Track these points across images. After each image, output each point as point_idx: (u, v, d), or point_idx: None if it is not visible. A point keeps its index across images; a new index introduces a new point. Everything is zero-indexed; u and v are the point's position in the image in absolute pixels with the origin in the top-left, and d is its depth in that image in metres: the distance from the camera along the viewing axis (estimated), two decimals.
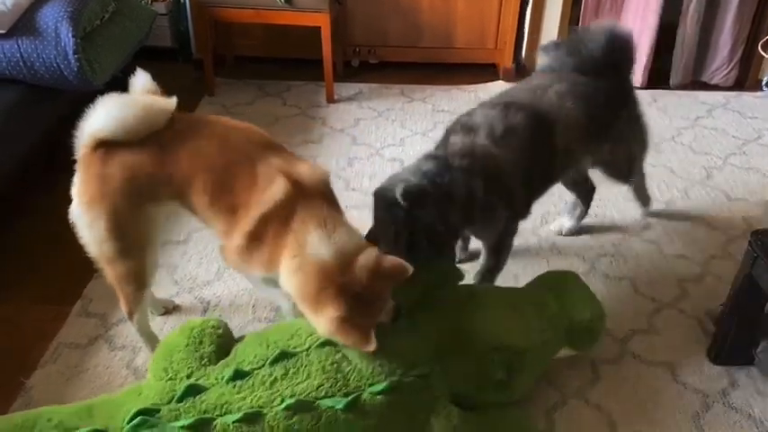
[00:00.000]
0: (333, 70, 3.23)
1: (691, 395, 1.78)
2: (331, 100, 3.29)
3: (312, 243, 1.43)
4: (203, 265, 2.20)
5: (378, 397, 1.40)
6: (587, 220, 2.46)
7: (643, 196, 2.44)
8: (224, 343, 1.54)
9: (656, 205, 2.55)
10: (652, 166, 2.80)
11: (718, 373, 1.85)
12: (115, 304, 1.98)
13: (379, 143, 2.94)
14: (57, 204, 1.59)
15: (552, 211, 2.49)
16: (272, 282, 1.55)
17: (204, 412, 1.35)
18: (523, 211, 1.92)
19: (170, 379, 1.44)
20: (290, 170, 1.51)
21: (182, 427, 1.32)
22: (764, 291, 1.66)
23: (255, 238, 1.48)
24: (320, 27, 3.08)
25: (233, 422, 1.33)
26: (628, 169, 2.23)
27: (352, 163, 2.78)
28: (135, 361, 1.84)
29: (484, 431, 1.53)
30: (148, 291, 1.75)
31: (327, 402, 1.37)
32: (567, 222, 2.37)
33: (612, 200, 2.58)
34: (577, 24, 3.38)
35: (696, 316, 2.03)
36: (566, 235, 2.37)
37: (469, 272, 2.00)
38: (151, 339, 1.82)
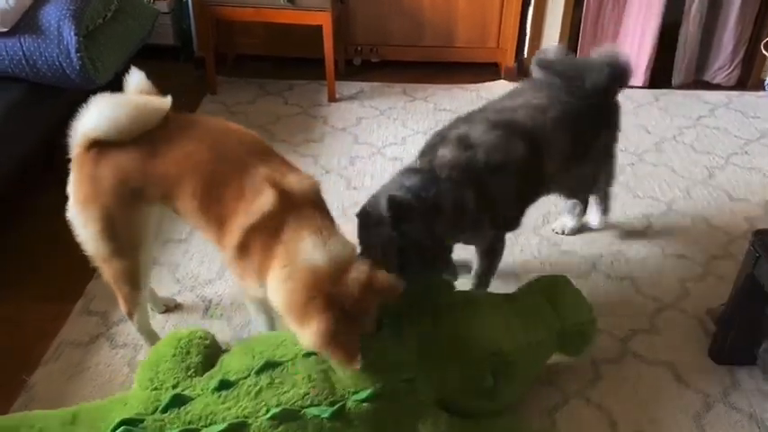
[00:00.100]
0: (334, 69, 3.23)
1: (692, 395, 1.78)
2: (332, 99, 3.29)
3: (306, 249, 1.40)
4: (205, 264, 2.20)
5: (363, 404, 1.40)
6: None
7: (605, 204, 2.38)
8: (211, 354, 1.54)
9: (657, 205, 2.55)
10: (653, 165, 2.81)
11: (719, 372, 1.85)
12: (116, 303, 1.98)
13: (380, 142, 2.94)
14: (56, 204, 1.59)
15: (553, 211, 2.49)
16: (265, 306, 1.57)
17: (189, 423, 1.34)
18: (512, 226, 1.91)
19: (155, 389, 1.43)
20: (279, 180, 1.47)
21: None
22: (766, 291, 1.66)
23: (244, 251, 1.46)
24: (322, 26, 3.07)
25: None
26: (586, 191, 2.24)
27: (354, 162, 2.78)
28: (136, 359, 1.85)
29: None
30: (146, 290, 1.75)
31: (313, 411, 1.37)
32: (569, 222, 2.37)
33: (614, 199, 2.57)
34: (579, 24, 3.38)
35: (697, 316, 2.03)
36: (568, 234, 2.37)
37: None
38: (152, 338, 1.83)
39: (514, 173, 1.74)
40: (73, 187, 1.55)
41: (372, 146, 2.91)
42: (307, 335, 1.36)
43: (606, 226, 2.43)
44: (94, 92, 1.58)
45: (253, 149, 1.56)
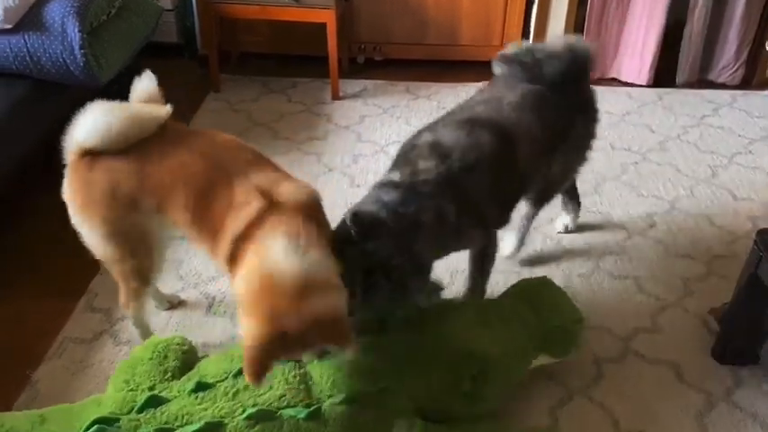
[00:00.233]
0: (338, 67, 3.23)
1: (695, 394, 1.78)
2: (336, 97, 3.29)
3: (276, 251, 1.32)
4: (208, 261, 2.20)
5: (338, 407, 1.41)
6: (592, 219, 2.46)
7: (575, 206, 2.36)
8: (188, 359, 1.55)
9: (660, 204, 2.55)
10: (657, 164, 2.80)
11: (722, 372, 1.85)
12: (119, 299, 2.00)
13: (384, 140, 2.94)
14: (57, 203, 1.59)
15: (558, 210, 2.49)
16: None
17: (165, 423, 1.35)
18: (500, 224, 1.87)
19: (131, 390, 1.44)
20: (269, 189, 1.44)
21: None
22: None
23: (234, 262, 1.43)
24: (326, 24, 3.07)
25: None
26: (559, 190, 2.19)
27: (357, 160, 2.78)
28: None
29: None
30: (152, 288, 1.75)
31: (289, 412, 1.38)
32: (569, 220, 2.37)
33: (617, 198, 2.58)
34: (583, 23, 3.38)
35: (700, 315, 2.03)
36: (571, 231, 2.37)
37: None
38: (145, 330, 1.82)
39: (488, 167, 1.69)
40: (72, 194, 1.54)
41: (376, 144, 2.91)
42: (244, 329, 1.30)
43: (610, 225, 2.43)
44: (98, 89, 1.59)
45: (247, 160, 1.53)
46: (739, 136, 3.04)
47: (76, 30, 2.23)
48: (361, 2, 3.41)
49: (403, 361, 1.53)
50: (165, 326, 1.95)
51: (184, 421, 1.36)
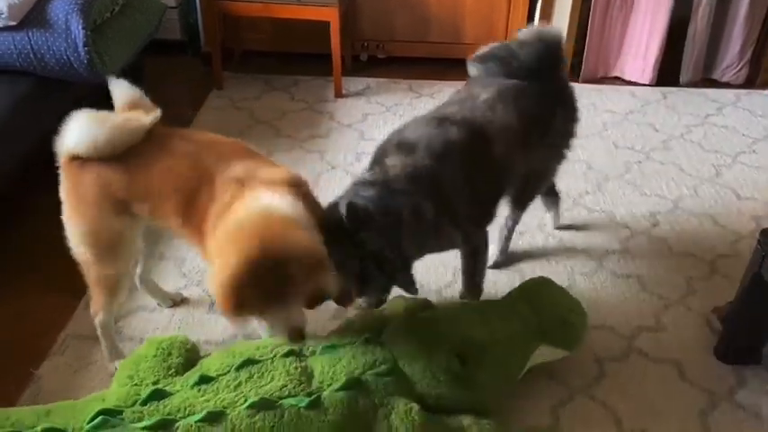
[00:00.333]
0: (341, 65, 3.23)
1: (697, 393, 1.78)
2: (339, 95, 3.29)
3: (257, 198, 1.35)
4: None
5: (337, 394, 1.42)
6: (595, 217, 2.46)
7: (555, 200, 2.35)
8: (191, 357, 1.57)
9: (664, 203, 2.55)
10: (661, 163, 2.80)
11: (725, 371, 1.84)
12: None
13: None
14: (59, 201, 1.60)
15: (561, 208, 2.49)
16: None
17: (167, 414, 1.36)
18: (480, 223, 1.84)
19: (135, 385, 1.46)
20: (247, 175, 1.44)
21: (143, 428, 1.32)
22: None
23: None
24: (329, 21, 3.07)
25: (195, 422, 1.34)
26: (540, 188, 2.16)
27: (360, 158, 2.78)
28: None
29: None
30: (120, 300, 1.73)
31: (290, 401, 1.39)
32: (550, 218, 2.37)
33: (620, 197, 2.57)
34: (587, 21, 3.37)
35: (703, 314, 2.02)
36: (561, 226, 2.37)
37: None
38: (111, 344, 1.79)
39: (459, 161, 1.68)
40: (65, 194, 1.57)
41: (378, 142, 2.90)
42: (215, 267, 1.30)
43: (613, 223, 2.42)
44: (101, 86, 1.59)
45: (229, 155, 1.53)
46: (743, 135, 3.03)
47: (80, 27, 2.23)
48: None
49: (399, 348, 1.55)
50: (168, 323, 1.95)
51: (187, 413, 1.37)
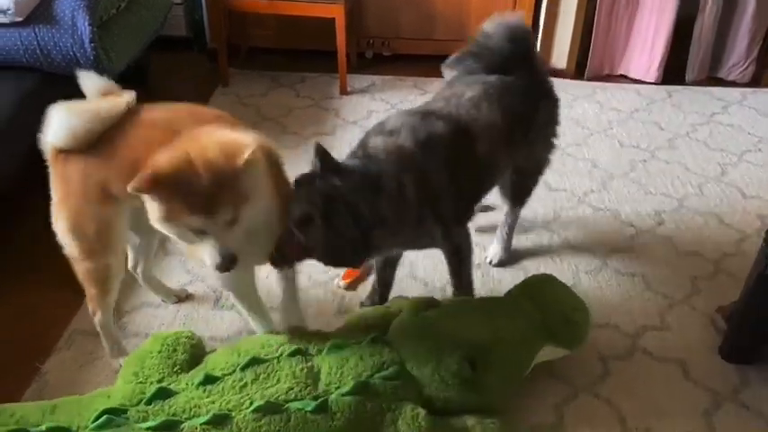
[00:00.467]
0: (346, 62, 3.23)
1: (702, 392, 1.78)
2: (344, 92, 3.29)
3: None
4: None
5: (345, 398, 1.42)
6: (600, 216, 2.45)
7: (508, 240, 2.23)
8: (196, 354, 1.56)
9: (669, 202, 2.54)
10: (666, 162, 2.79)
11: (729, 371, 1.84)
12: (127, 293, 2.01)
13: None
14: None
15: (566, 206, 2.49)
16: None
17: (172, 415, 1.36)
18: (461, 218, 1.82)
19: (140, 382, 1.45)
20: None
21: (148, 429, 1.32)
22: None
23: None
24: (335, 18, 3.07)
25: (201, 424, 1.33)
26: (534, 181, 2.12)
27: None
28: None
29: None
30: (113, 295, 1.72)
31: (297, 405, 1.39)
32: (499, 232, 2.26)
33: (625, 195, 2.57)
34: (593, 18, 3.36)
35: (708, 313, 2.02)
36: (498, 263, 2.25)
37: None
38: (113, 343, 1.80)
39: (443, 152, 1.67)
40: (52, 188, 1.57)
41: None
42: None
43: (618, 222, 2.42)
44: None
45: (211, 120, 1.52)
46: (749, 134, 3.02)
47: (87, 23, 2.24)
48: None
49: (407, 350, 1.54)
50: (173, 320, 1.96)
51: (192, 414, 1.37)
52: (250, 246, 1.46)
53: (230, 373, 1.45)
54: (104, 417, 1.32)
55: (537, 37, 3.51)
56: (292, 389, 1.41)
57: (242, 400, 1.39)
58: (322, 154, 1.50)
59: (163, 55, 3.30)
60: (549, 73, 2.08)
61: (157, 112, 1.55)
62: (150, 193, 1.31)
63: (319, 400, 1.40)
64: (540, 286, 1.82)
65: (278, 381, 1.43)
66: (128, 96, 1.55)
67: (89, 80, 1.61)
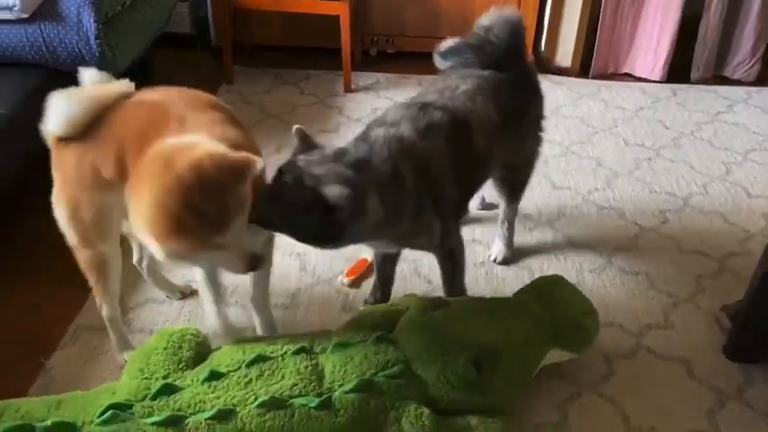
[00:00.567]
0: (351, 59, 3.23)
1: (706, 391, 1.78)
2: (348, 89, 3.29)
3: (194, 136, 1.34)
4: None
5: (348, 395, 1.42)
6: (604, 214, 2.45)
7: (510, 237, 2.22)
8: (202, 351, 1.56)
9: (673, 200, 2.54)
10: (671, 160, 2.79)
11: (734, 370, 1.84)
12: (132, 288, 2.02)
13: None
14: None
15: (570, 205, 2.49)
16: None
17: (177, 410, 1.36)
18: (457, 212, 1.82)
19: (145, 378, 1.44)
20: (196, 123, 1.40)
21: (153, 424, 1.32)
22: None
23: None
24: (339, 16, 3.07)
25: (206, 419, 1.33)
26: (527, 174, 2.11)
27: None
28: None
29: None
30: (113, 285, 1.72)
31: (301, 401, 1.39)
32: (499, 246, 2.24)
33: (630, 194, 2.57)
34: (598, 16, 3.35)
35: (713, 312, 2.02)
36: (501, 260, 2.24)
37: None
38: (120, 337, 1.80)
39: (443, 140, 1.66)
40: (53, 176, 1.58)
41: None
42: (139, 201, 1.28)
43: (623, 220, 2.42)
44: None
45: (201, 106, 1.50)
46: (754, 133, 3.01)
47: (92, 20, 2.24)
48: None
49: (412, 350, 1.54)
50: (178, 316, 1.97)
51: (197, 409, 1.37)
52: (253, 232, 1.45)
53: (235, 370, 1.45)
54: (110, 412, 1.33)
55: (542, 35, 3.51)
56: (296, 385, 1.42)
57: (246, 396, 1.39)
58: (302, 137, 1.50)
59: (167, 52, 3.30)
60: (537, 69, 2.08)
61: (147, 95, 1.55)
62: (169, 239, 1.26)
63: (323, 397, 1.40)
64: (549, 287, 1.82)
65: (282, 377, 1.43)
66: (124, 84, 1.56)
67: (87, 74, 1.63)
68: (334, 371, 1.46)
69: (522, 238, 2.29)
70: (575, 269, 2.18)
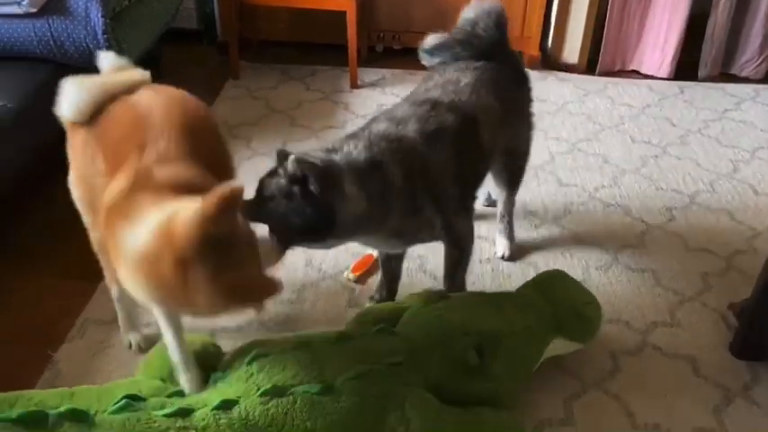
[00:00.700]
0: (357, 55, 3.23)
1: (712, 389, 1.77)
2: (354, 85, 3.29)
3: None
4: None
5: (351, 381, 1.43)
6: (610, 211, 2.45)
7: (511, 230, 2.23)
8: (215, 360, 1.58)
9: (680, 198, 2.53)
10: (678, 158, 2.78)
11: (740, 367, 1.83)
12: None
13: None
14: None
15: (576, 202, 2.48)
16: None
17: (187, 404, 1.38)
18: (466, 206, 1.80)
19: (162, 380, 1.51)
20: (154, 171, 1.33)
21: (164, 415, 1.34)
22: None
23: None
24: (346, 12, 3.07)
25: (211, 410, 1.35)
26: (524, 160, 2.12)
27: None
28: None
29: (463, 422, 1.50)
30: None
31: (303, 387, 1.40)
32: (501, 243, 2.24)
33: (636, 191, 2.56)
34: (605, 13, 3.34)
35: (719, 310, 2.01)
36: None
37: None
38: (126, 316, 1.82)
39: (450, 144, 1.65)
40: (69, 162, 1.60)
41: None
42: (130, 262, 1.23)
43: (629, 217, 2.41)
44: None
45: (175, 123, 1.43)
46: (761, 131, 3.00)
47: (100, 15, 2.25)
48: None
49: (415, 338, 1.55)
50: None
51: (204, 404, 1.39)
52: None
53: (237, 368, 1.48)
54: (124, 401, 1.34)
55: (549, 32, 3.50)
56: (298, 374, 1.43)
57: (249, 388, 1.41)
58: (281, 157, 1.47)
59: (174, 47, 3.31)
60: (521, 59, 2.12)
61: (143, 97, 1.51)
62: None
63: (325, 384, 1.41)
64: (551, 281, 1.83)
65: (284, 368, 1.45)
66: (138, 73, 1.57)
67: (106, 59, 1.64)
68: (336, 361, 1.47)
69: (528, 234, 2.29)
70: (581, 266, 2.18)
